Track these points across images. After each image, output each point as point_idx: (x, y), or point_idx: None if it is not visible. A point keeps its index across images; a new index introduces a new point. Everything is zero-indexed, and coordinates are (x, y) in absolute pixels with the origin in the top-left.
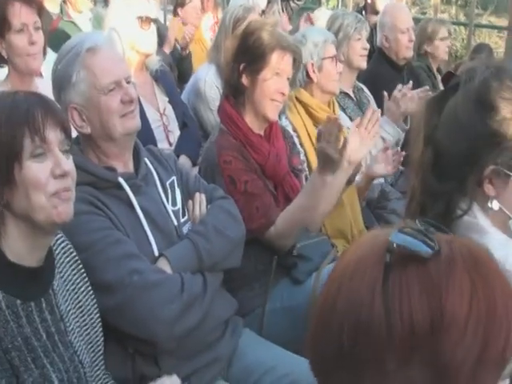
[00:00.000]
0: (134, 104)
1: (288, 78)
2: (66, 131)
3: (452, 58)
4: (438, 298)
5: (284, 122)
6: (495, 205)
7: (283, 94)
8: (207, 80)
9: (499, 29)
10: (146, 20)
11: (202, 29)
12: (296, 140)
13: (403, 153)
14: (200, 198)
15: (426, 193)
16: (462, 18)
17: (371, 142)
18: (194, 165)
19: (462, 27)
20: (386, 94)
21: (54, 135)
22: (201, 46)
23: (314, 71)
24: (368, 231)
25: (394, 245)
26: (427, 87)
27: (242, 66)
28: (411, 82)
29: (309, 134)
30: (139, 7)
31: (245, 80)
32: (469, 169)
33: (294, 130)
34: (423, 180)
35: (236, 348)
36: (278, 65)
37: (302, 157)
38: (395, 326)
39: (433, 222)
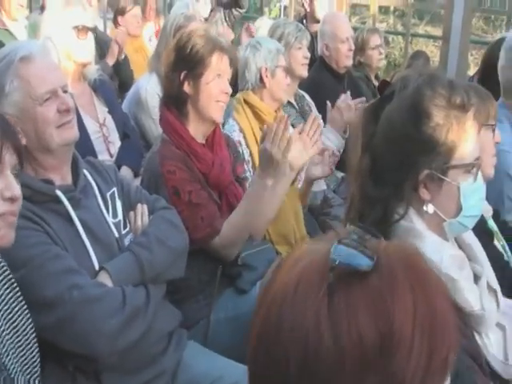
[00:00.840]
0: (71, 113)
1: (228, 79)
2: (20, 156)
3: (391, 66)
4: (386, 315)
5: (231, 123)
6: (430, 208)
7: (227, 94)
8: (148, 89)
9: (434, 38)
10: (82, 29)
11: (144, 37)
12: (243, 141)
13: (338, 153)
14: (142, 209)
15: (365, 199)
16: (400, 28)
17: (313, 150)
18: (136, 175)
19: (399, 36)
20: (329, 103)
21: (9, 157)
22: (143, 55)
23: (267, 76)
24: (310, 239)
25: (336, 262)
26: (364, 98)
27: (182, 75)
28: (349, 92)
29: (255, 136)
30: (75, 16)
31: (187, 88)
32: (404, 174)
33: (241, 131)
34: (361, 186)
35: (181, 361)
36: (218, 66)
37: (247, 157)
38: (345, 349)
39: (366, 227)
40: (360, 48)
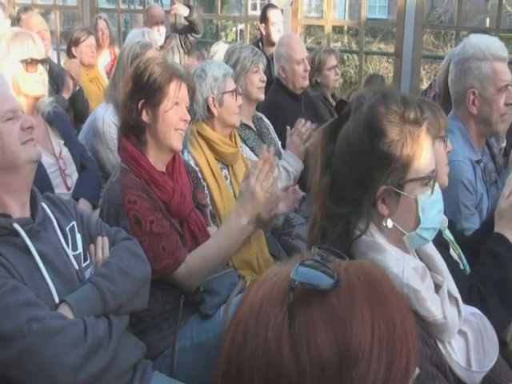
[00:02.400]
0: (34, 132)
1: (186, 106)
2: None
3: (347, 85)
4: (344, 332)
5: (186, 157)
6: (389, 223)
7: (186, 122)
8: (105, 119)
9: (387, 55)
10: (31, 62)
11: (99, 66)
12: (199, 175)
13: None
14: (102, 242)
15: (326, 217)
16: (354, 46)
17: (266, 183)
18: (95, 207)
19: (354, 55)
20: (288, 128)
21: None
22: (98, 85)
23: (214, 105)
24: (274, 260)
25: (296, 282)
26: (313, 126)
27: (140, 103)
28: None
29: (211, 169)
30: (22, 50)
31: (145, 117)
32: (363, 191)
33: (196, 165)
34: (322, 205)
35: None
36: (176, 94)
37: (205, 191)
38: (305, 368)
39: (329, 247)
40: (317, 68)
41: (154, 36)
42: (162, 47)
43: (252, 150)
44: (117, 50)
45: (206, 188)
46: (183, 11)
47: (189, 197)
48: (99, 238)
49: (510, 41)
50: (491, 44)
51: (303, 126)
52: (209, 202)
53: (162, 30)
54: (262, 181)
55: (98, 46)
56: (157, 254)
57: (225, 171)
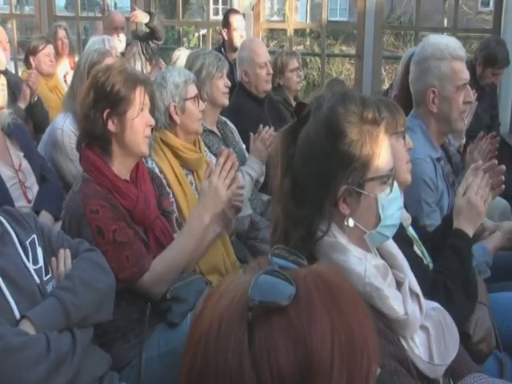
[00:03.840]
0: None
1: (149, 111)
2: None
3: (310, 87)
4: (304, 347)
5: (150, 165)
6: (351, 222)
7: (151, 126)
8: (64, 129)
9: (349, 56)
10: None
11: (58, 76)
12: (164, 182)
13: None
14: (64, 254)
15: (288, 220)
16: (317, 49)
17: (228, 181)
18: (57, 219)
19: (317, 57)
20: (252, 134)
21: None
22: (57, 94)
23: (176, 113)
24: (241, 264)
25: (254, 301)
26: (272, 130)
27: (105, 114)
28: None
29: (176, 175)
30: None
31: (111, 126)
32: (324, 191)
33: (161, 172)
34: (284, 208)
35: None
36: (141, 100)
37: (171, 198)
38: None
39: (289, 249)
40: (279, 71)
41: (115, 43)
42: (122, 54)
43: (216, 155)
44: (76, 59)
45: (171, 195)
46: (143, 18)
47: (153, 204)
48: (61, 251)
49: (467, 40)
50: (449, 43)
51: (266, 131)
52: (175, 209)
53: (123, 36)
54: (224, 178)
55: (58, 54)
56: (121, 263)
57: (190, 177)
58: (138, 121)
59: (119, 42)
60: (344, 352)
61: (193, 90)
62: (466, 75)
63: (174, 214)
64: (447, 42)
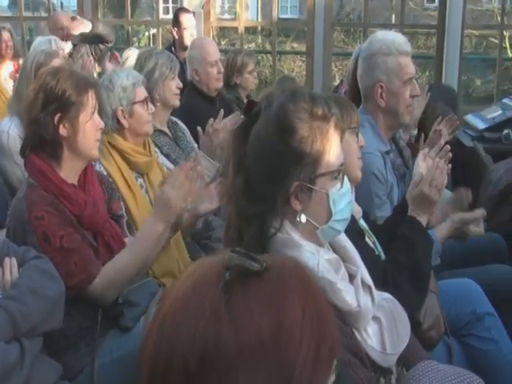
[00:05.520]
0: None
1: (98, 112)
2: None
3: (262, 85)
4: (279, 309)
5: (98, 168)
6: (303, 218)
7: (101, 129)
8: (10, 133)
9: (300, 53)
10: None
11: (1, 78)
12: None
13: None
14: (10, 263)
15: (241, 218)
16: (268, 47)
17: (182, 192)
18: (2, 227)
19: (268, 55)
20: (200, 129)
21: None
22: (1, 98)
23: (124, 117)
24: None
25: (233, 263)
26: (238, 113)
27: (56, 118)
28: (222, 110)
29: (125, 179)
30: None
31: (63, 130)
32: (276, 188)
33: (109, 176)
34: (237, 206)
35: None
36: (92, 103)
37: (121, 202)
38: (244, 340)
39: (244, 251)
40: (238, 70)
41: (61, 44)
42: (70, 55)
43: (167, 156)
44: (21, 61)
45: (120, 199)
46: (85, 27)
47: (102, 208)
48: (6, 260)
49: (414, 36)
50: (396, 39)
51: (210, 126)
52: (124, 213)
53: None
54: (177, 189)
55: (1, 57)
56: (69, 269)
57: (140, 180)
58: (90, 125)
59: (65, 43)
60: (314, 326)
61: (142, 93)
62: (412, 70)
63: (125, 218)
64: (393, 38)
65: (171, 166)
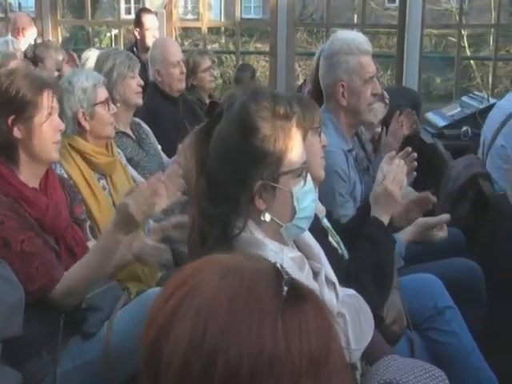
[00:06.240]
0: None
1: (57, 114)
2: None
3: (226, 85)
4: (325, 340)
5: (59, 171)
6: (267, 217)
7: (61, 131)
8: None
9: (263, 54)
10: None
11: None
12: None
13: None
14: None
15: (204, 219)
16: (232, 47)
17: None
18: None
19: (232, 55)
20: (180, 146)
21: None
22: None
23: (85, 119)
24: (160, 268)
25: (290, 280)
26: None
27: (10, 120)
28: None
29: (87, 181)
30: None
31: (17, 133)
32: (240, 188)
33: (70, 179)
34: (200, 207)
35: None
36: (49, 104)
37: (83, 205)
38: (294, 357)
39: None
40: (191, 71)
41: (20, 45)
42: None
43: (130, 158)
44: None
45: (82, 202)
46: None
47: (64, 212)
48: None
49: (375, 35)
50: (357, 39)
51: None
52: (87, 217)
53: (30, 38)
54: (141, 204)
55: None
56: (30, 274)
57: (103, 182)
58: (47, 126)
59: (25, 45)
60: (341, 354)
61: (103, 94)
62: (372, 68)
63: (87, 222)
64: (354, 38)
65: (134, 172)
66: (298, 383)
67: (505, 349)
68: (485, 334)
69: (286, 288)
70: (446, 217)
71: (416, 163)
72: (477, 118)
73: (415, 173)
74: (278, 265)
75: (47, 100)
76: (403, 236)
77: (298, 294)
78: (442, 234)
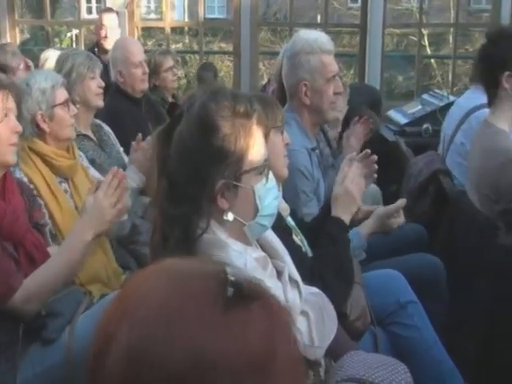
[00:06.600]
0: None
1: (15, 116)
2: None
3: (190, 85)
4: (273, 340)
5: (18, 175)
6: (230, 216)
7: (18, 133)
8: None
9: (227, 53)
10: None
11: None
12: (34, 193)
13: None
14: None
15: (166, 221)
16: (196, 47)
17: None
18: None
19: (196, 55)
20: (133, 144)
21: None
22: None
23: (44, 121)
24: (124, 270)
25: (238, 281)
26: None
27: None
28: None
29: (48, 184)
30: None
31: None
32: (201, 189)
33: (31, 182)
34: (161, 209)
35: None
36: (4, 105)
37: (43, 209)
38: (237, 359)
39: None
40: (153, 71)
41: None
42: None
43: (92, 160)
44: None
45: (43, 206)
46: None
47: (23, 217)
48: None
49: (338, 35)
50: (319, 38)
51: (137, 142)
52: (48, 221)
53: None
54: (110, 196)
55: None
56: None
57: (64, 185)
58: (2, 127)
59: None
60: (292, 368)
61: (62, 95)
62: (334, 68)
63: (47, 226)
64: (316, 37)
65: (97, 173)
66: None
67: (466, 341)
68: (447, 326)
69: (231, 289)
70: (402, 201)
71: (376, 166)
72: (437, 116)
73: (376, 175)
74: (228, 267)
75: (2, 101)
76: (363, 229)
77: (245, 295)
78: (399, 220)
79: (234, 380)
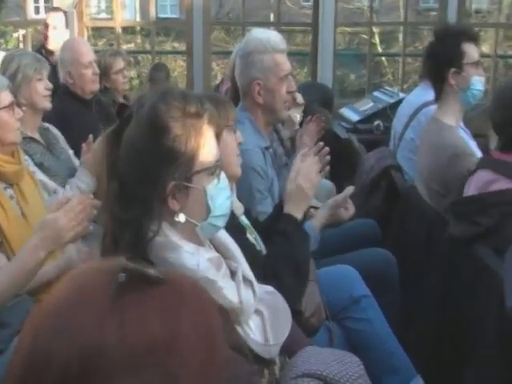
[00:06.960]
0: None
1: None
2: None
3: (143, 85)
4: (172, 321)
5: None
6: (182, 217)
7: None
8: None
9: (179, 53)
10: None
11: None
12: None
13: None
14: None
15: (116, 224)
16: (148, 46)
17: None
18: None
19: (148, 55)
20: (84, 146)
21: None
22: None
23: None
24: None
25: (130, 266)
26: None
27: None
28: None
29: None
30: None
31: None
32: (152, 190)
33: None
34: (111, 212)
35: None
36: None
37: None
38: (133, 348)
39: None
40: (103, 73)
41: None
42: None
43: (40, 164)
44: None
45: None
46: None
47: None
48: None
49: (291, 34)
50: (271, 37)
51: (87, 144)
52: None
53: None
54: (71, 219)
55: None
56: None
57: (9, 191)
58: None
59: None
60: (204, 344)
61: (6, 98)
62: (287, 66)
63: None
64: (269, 36)
65: (45, 178)
66: (137, 374)
67: (418, 334)
68: (399, 321)
69: (122, 275)
70: (349, 189)
71: (329, 157)
72: (388, 113)
73: (328, 167)
74: (129, 263)
75: None
76: (314, 221)
77: (140, 279)
78: (350, 211)
79: (131, 362)
